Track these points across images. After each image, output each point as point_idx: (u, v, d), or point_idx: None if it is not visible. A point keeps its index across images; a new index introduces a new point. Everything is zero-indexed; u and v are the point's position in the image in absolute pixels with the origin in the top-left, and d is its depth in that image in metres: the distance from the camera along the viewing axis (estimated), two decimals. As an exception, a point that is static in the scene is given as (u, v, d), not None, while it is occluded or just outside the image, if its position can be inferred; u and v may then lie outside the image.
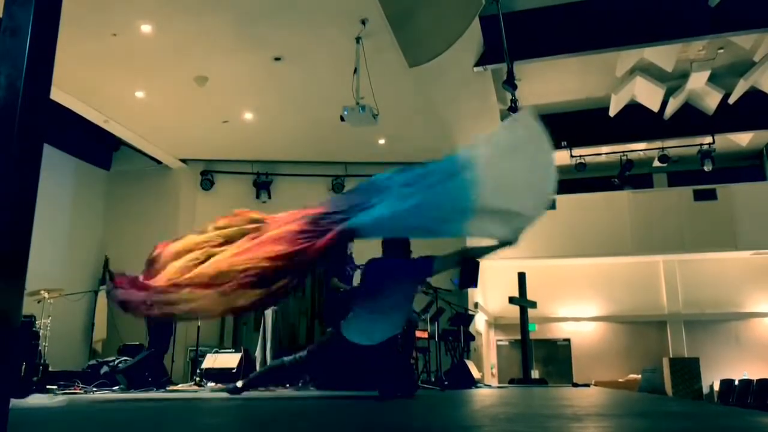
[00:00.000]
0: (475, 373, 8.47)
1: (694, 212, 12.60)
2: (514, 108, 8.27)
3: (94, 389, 6.28)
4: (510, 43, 7.80)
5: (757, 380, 9.71)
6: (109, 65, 7.83)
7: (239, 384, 4.39)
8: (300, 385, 6.49)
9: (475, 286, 9.22)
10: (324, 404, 3.59)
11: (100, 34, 7.10)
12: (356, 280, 5.41)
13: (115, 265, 10.65)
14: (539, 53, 8.66)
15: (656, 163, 12.86)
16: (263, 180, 11.23)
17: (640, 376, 12.04)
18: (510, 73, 7.89)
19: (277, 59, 7.79)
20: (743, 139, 12.57)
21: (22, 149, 1.22)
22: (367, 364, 3.99)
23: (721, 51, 9.64)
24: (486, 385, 9.77)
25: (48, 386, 5.87)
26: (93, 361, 8.08)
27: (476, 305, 11.66)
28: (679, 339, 13.52)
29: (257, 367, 7.53)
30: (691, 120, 11.36)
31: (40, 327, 7.29)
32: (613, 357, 13.75)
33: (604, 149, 12.64)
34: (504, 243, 3.57)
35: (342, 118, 7.20)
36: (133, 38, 7.24)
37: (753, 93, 10.45)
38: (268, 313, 7.77)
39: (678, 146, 12.40)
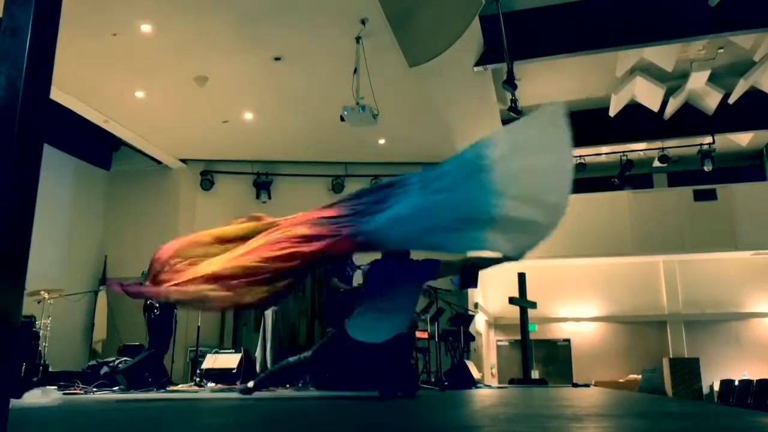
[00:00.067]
0: (475, 374, 8.47)
1: (694, 212, 12.61)
2: (514, 108, 8.27)
3: (94, 389, 6.28)
4: (510, 43, 7.79)
5: (757, 380, 9.72)
6: (109, 65, 7.83)
7: (251, 384, 4.50)
8: (300, 385, 6.49)
9: (475, 286, 9.21)
10: (324, 404, 3.59)
11: (100, 33, 7.10)
12: (356, 280, 5.41)
13: (115, 265, 10.66)
14: (539, 53, 8.65)
15: (656, 163, 12.86)
16: (263, 180, 11.22)
17: (640, 376, 12.05)
18: (510, 73, 7.88)
19: (277, 59, 7.79)
20: (743, 139, 12.57)
21: (22, 149, 1.22)
22: (368, 364, 4.00)
23: (721, 51, 9.64)
24: (486, 385, 9.77)
25: (47, 386, 5.87)
26: (93, 362, 8.07)
27: (476, 305, 11.66)
28: (679, 339, 13.53)
29: (257, 367, 7.54)
30: (691, 120, 11.36)
31: (40, 327, 7.29)
32: (613, 357, 13.75)
33: (604, 149, 12.65)
34: (509, 258, 3.48)
35: (342, 118, 7.20)
36: (133, 38, 7.24)
37: (753, 93, 10.45)
38: (268, 314, 7.77)
39: (678, 146, 12.40)
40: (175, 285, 3.41)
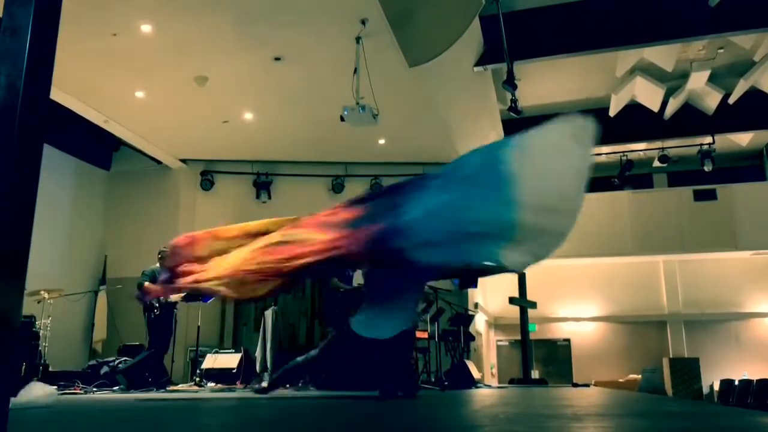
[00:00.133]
0: (475, 374, 8.48)
1: (694, 212, 12.61)
2: (514, 108, 8.27)
3: (94, 389, 6.29)
4: (510, 43, 7.80)
5: (757, 380, 9.70)
6: (109, 65, 7.83)
7: (264, 384, 4.67)
8: (300, 385, 6.49)
9: (475, 286, 9.22)
10: (324, 404, 3.59)
11: (100, 33, 7.10)
12: (356, 280, 5.41)
13: (115, 265, 10.66)
14: (539, 53, 8.66)
15: (656, 163, 12.87)
16: (263, 180, 11.22)
17: (640, 376, 12.05)
18: (510, 73, 7.88)
19: (277, 59, 7.79)
20: (743, 139, 12.57)
21: (22, 149, 1.22)
22: (368, 364, 4.01)
23: (721, 51, 9.64)
24: (486, 385, 9.77)
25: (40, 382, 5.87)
26: (93, 362, 8.09)
27: (476, 305, 11.66)
28: (679, 339, 13.53)
29: (257, 367, 7.55)
30: (691, 120, 11.36)
31: (40, 327, 7.30)
32: (613, 357, 13.75)
33: (604, 149, 12.64)
34: (514, 270, 3.41)
35: (342, 118, 7.20)
36: (133, 38, 7.24)
37: (753, 93, 10.45)
38: (268, 314, 7.78)
39: (678, 146, 12.40)
40: (196, 279, 3.44)
